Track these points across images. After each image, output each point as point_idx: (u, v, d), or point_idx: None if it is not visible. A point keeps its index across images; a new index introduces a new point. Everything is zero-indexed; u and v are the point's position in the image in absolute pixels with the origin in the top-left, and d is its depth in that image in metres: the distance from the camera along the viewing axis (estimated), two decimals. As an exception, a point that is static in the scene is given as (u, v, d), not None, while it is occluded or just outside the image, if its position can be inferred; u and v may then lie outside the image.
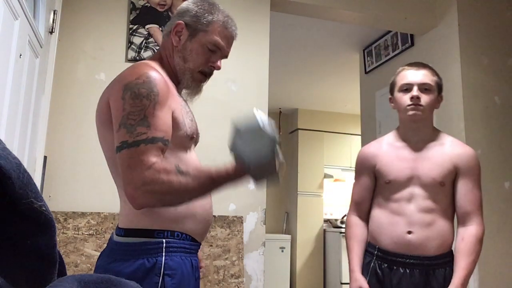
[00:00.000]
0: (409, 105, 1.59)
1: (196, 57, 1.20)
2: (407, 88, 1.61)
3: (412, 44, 3.29)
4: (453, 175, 1.59)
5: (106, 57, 2.46)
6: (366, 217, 1.72)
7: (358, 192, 1.74)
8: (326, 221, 5.94)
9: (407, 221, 1.57)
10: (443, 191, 1.58)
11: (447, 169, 1.58)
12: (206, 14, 1.20)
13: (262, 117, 1.04)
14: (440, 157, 1.59)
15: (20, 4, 1.61)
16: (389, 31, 3.53)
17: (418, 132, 1.64)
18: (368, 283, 1.61)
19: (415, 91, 1.58)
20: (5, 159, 0.39)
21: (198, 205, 1.15)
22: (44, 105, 2.17)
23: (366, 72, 3.97)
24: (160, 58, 1.24)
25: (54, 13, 2.22)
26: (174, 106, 1.11)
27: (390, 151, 1.67)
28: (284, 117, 6.31)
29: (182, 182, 1.00)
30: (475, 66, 2.83)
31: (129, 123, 1.01)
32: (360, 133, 4.08)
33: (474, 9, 2.91)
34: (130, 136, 1.00)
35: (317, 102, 5.77)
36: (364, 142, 3.91)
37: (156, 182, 0.98)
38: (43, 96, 2.16)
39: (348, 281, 1.75)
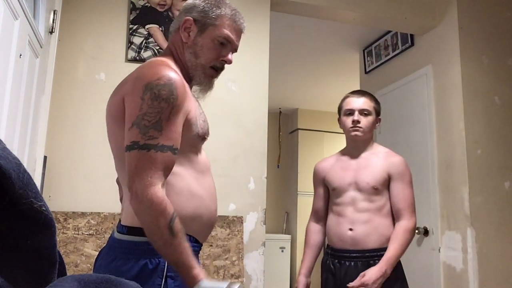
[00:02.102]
0: (351, 127, 1.91)
1: (208, 52, 1.20)
2: (349, 112, 1.93)
3: (412, 44, 3.29)
4: (387, 180, 1.87)
5: (106, 57, 2.45)
6: (323, 222, 2.02)
7: (315, 201, 2.06)
8: (326, 221, 5.94)
9: (348, 221, 1.86)
10: (377, 194, 1.85)
11: (380, 175, 1.86)
12: (214, 9, 1.20)
13: None
14: (375, 166, 1.88)
15: (20, 4, 1.61)
16: (389, 31, 3.53)
17: (359, 148, 1.96)
18: (326, 278, 1.92)
19: (356, 116, 1.90)
20: (5, 159, 0.39)
21: (204, 207, 1.15)
22: (44, 105, 2.17)
23: (366, 72, 3.97)
24: (172, 55, 1.22)
25: (54, 13, 2.22)
26: (190, 108, 1.10)
27: (336, 164, 2.00)
28: (284, 117, 6.31)
29: (164, 234, 0.97)
30: (475, 66, 2.83)
31: (143, 124, 1.00)
32: (360, 133, 4.07)
33: (474, 9, 2.91)
34: (142, 138, 1.00)
35: (317, 102, 5.77)
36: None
37: (148, 207, 0.97)
38: (43, 96, 2.16)
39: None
